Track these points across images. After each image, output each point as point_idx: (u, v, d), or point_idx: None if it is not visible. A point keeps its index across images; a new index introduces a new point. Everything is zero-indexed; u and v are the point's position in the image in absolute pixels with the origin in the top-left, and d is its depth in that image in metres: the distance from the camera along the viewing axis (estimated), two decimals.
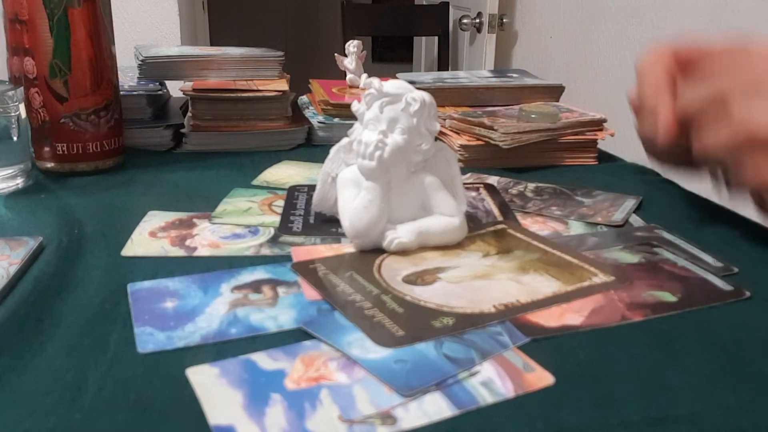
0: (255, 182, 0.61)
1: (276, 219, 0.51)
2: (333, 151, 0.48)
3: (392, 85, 0.44)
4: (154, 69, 0.76)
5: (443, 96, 0.79)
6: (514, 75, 0.88)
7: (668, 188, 0.63)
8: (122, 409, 0.29)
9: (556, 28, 1.98)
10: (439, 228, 0.45)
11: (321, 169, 0.48)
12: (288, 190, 0.58)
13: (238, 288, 0.40)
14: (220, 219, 0.51)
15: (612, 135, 0.70)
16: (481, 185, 0.60)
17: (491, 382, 0.31)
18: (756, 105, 0.41)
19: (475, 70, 0.95)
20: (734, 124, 0.42)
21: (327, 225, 0.49)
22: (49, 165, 0.61)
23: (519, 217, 0.53)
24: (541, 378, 0.31)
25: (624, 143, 0.61)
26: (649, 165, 0.68)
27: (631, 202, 0.56)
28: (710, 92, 0.44)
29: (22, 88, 0.58)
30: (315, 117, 0.77)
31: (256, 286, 0.40)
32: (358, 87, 0.84)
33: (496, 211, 0.54)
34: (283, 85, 0.75)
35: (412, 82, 0.48)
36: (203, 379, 0.31)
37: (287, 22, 3.98)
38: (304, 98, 0.87)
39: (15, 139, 0.57)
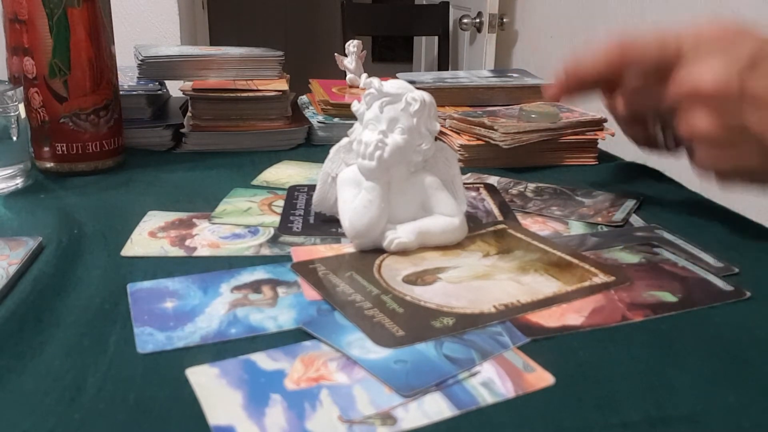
0: (255, 182, 0.61)
1: (276, 219, 0.51)
2: (333, 151, 0.48)
3: (392, 85, 0.44)
4: (154, 69, 0.75)
5: (443, 96, 0.79)
6: (515, 75, 0.88)
7: (668, 188, 0.63)
8: (122, 409, 0.29)
9: (556, 28, 1.98)
10: (439, 228, 0.45)
11: (321, 169, 0.48)
12: (288, 190, 0.58)
13: (237, 288, 0.40)
14: (220, 219, 0.51)
15: (612, 135, 0.70)
16: (481, 185, 0.60)
17: (491, 382, 0.31)
18: (701, 63, 0.44)
19: (475, 70, 0.94)
20: (680, 78, 0.45)
21: (327, 225, 0.49)
22: (49, 165, 0.61)
23: (519, 217, 0.53)
24: (541, 378, 0.31)
25: (624, 143, 0.61)
26: (649, 164, 0.68)
27: (631, 203, 0.56)
28: (663, 54, 0.46)
29: (21, 88, 0.58)
30: (315, 117, 0.77)
31: (255, 287, 0.40)
32: (358, 87, 0.84)
33: (496, 211, 0.54)
34: (282, 85, 0.75)
35: (412, 82, 0.48)
36: (203, 379, 0.31)
37: (287, 22, 3.98)
38: (304, 98, 0.87)
39: (14, 139, 0.57)
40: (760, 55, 0.42)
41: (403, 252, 0.44)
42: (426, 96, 0.44)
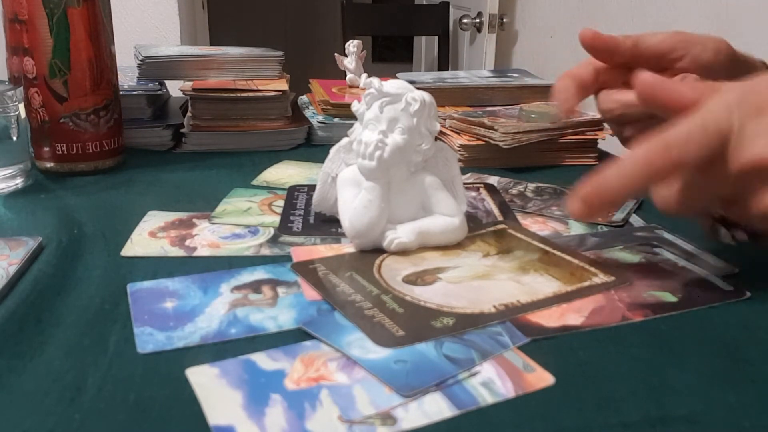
0: (255, 182, 0.61)
1: (276, 219, 0.51)
2: (333, 151, 0.48)
3: (392, 85, 0.44)
4: (154, 69, 0.75)
5: (443, 96, 0.79)
6: (514, 75, 0.88)
7: None
8: (122, 409, 0.29)
9: (557, 28, 1.98)
10: (439, 228, 0.45)
11: (321, 169, 0.48)
12: (288, 190, 0.58)
13: (237, 288, 0.40)
14: (220, 219, 0.51)
15: (612, 135, 0.70)
16: (481, 185, 0.60)
17: (491, 382, 0.31)
18: (761, 136, 0.37)
19: (475, 70, 0.95)
20: (740, 157, 0.37)
21: (327, 225, 0.49)
22: (49, 165, 0.61)
23: (519, 217, 0.53)
24: (541, 378, 0.31)
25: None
26: None
27: (631, 203, 0.56)
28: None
29: (21, 88, 0.58)
30: (315, 117, 0.77)
31: (255, 287, 0.40)
32: (358, 87, 0.84)
33: (496, 211, 0.54)
34: (282, 85, 0.75)
35: (412, 82, 0.48)
36: (203, 379, 0.31)
37: (287, 22, 3.98)
38: (304, 98, 0.87)
39: (14, 139, 0.57)
40: None
41: (403, 252, 0.44)
42: (426, 96, 0.44)
